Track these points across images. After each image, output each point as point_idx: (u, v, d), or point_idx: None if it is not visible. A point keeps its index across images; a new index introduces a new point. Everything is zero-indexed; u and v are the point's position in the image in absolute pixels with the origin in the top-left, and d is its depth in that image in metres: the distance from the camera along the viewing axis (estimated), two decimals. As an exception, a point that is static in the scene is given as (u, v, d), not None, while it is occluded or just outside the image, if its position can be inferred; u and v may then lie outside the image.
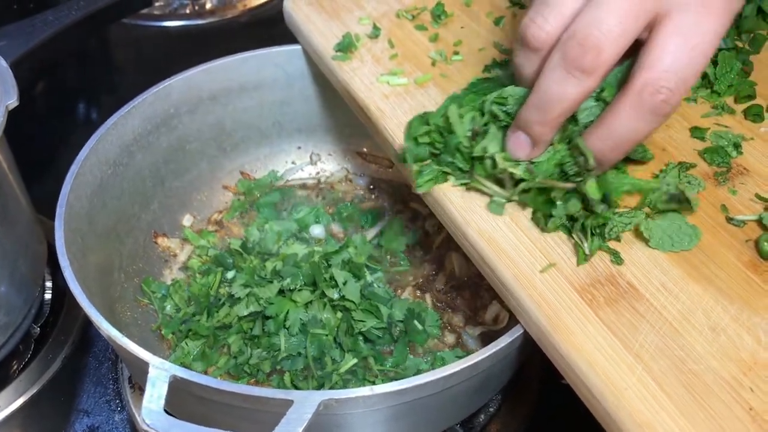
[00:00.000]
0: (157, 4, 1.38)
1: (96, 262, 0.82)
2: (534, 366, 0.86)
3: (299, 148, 1.08)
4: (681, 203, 0.64)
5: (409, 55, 0.87)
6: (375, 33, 0.89)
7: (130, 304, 0.88)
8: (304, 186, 1.07)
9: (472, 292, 0.90)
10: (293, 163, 1.09)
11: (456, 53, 0.86)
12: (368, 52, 0.87)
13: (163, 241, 0.96)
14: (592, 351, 0.57)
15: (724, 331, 0.57)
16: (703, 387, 0.54)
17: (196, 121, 0.97)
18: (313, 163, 1.09)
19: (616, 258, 0.63)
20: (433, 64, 0.85)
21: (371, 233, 0.98)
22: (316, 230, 0.98)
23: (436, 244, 0.96)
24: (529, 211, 0.67)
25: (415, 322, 0.86)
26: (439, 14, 0.91)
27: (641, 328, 0.58)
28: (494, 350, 0.63)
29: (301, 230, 0.97)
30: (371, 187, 1.06)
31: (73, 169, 0.80)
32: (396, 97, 0.81)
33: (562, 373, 0.59)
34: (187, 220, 1.00)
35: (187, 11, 1.37)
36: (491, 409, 0.85)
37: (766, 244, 0.62)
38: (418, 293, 0.92)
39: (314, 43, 0.90)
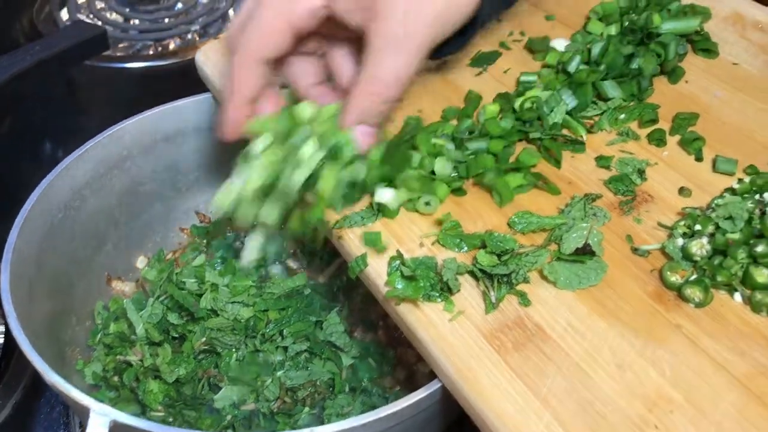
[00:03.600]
0: (120, 45, 1.39)
1: (45, 307, 0.81)
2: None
3: None
4: (586, 254, 0.64)
5: (320, 103, 0.87)
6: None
7: (82, 347, 0.88)
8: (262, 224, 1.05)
9: None
10: None
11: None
12: (279, 102, 0.87)
13: (117, 284, 0.96)
14: (500, 400, 0.57)
15: (630, 368, 0.58)
16: (609, 428, 0.54)
17: (150, 163, 0.97)
18: None
19: (524, 300, 0.63)
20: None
21: (327, 272, 0.97)
22: (275, 269, 0.98)
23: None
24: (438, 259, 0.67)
25: (369, 360, 0.85)
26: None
27: (548, 372, 0.58)
28: (433, 389, 0.63)
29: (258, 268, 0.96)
30: None
31: (21, 215, 0.79)
32: (307, 147, 0.81)
33: (476, 424, 0.59)
34: (141, 262, 1.00)
35: (150, 52, 1.38)
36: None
37: (668, 273, 0.63)
38: (371, 329, 0.91)
39: (226, 97, 0.89)
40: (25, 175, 1.14)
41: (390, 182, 0.71)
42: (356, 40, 0.72)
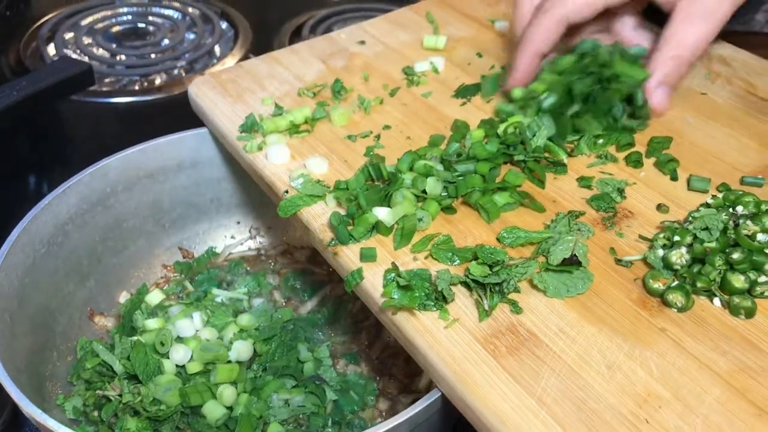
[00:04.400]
0: (106, 80, 1.41)
1: (27, 341, 0.81)
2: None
3: (238, 222, 1.09)
4: (573, 264, 0.68)
5: (315, 133, 0.90)
6: (277, 112, 0.92)
7: (63, 383, 0.87)
8: (244, 259, 1.06)
9: (407, 360, 0.90)
10: (232, 237, 1.09)
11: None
12: (272, 131, 0.90)
13: (99, 320, 0.95)
14: (497, 400, 0.59)
15: (619, 368, 0.60)
16: (603, 424, 0.56)
17: (134, 199, 0.98)
18: (252, 237, 1.10)
19: (515, 308, 0.66)
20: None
21: (310, 304, 0.98)
22: (257, 301, 0.98)
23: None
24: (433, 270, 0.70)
25: (352, 393, 0.86)
26: (338, 90, 0.95)
27: (542, 373, 0.60)
28: (410, 415, 0.64)
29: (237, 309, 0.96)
30: (312, 258, 1.06)
31: (4, 249, 0.80)
32: (300, 171, 0.84)
33: (473, 425, 0.61)
34: (123, 297, 0.99)
35: (136, 87, 1.40)
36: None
37: (651, 281, 0.66)
38: (353, 361, 0.92)
39: (219, 126, 0.92)
40: (9, 209, 1.13)
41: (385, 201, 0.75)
42: (637, 13, 0.92)
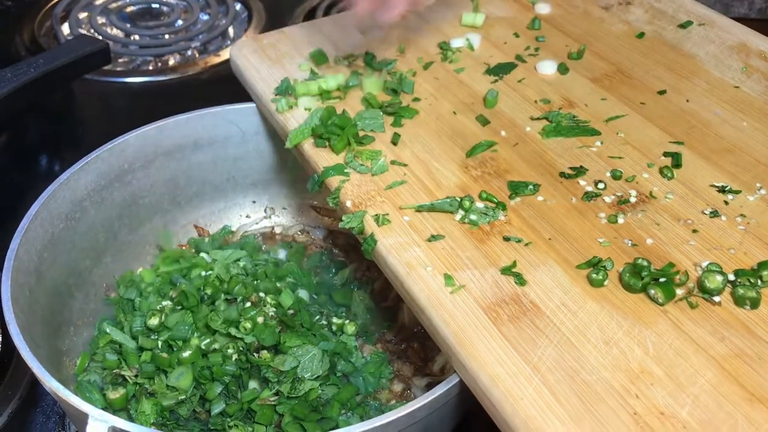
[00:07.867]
0: (120, 60, 1.43)
1: (44, 316, 0.82)
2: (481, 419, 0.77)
3: (254, 202, 1.10)
4: None
5: (346, 100, 0.92)
6: (312, 78, 0.94)
7: (78, 359, 0.87)
8: (261, 236, 1.07)
9: (421, 344, 0.90)
10: (248, 216, 1.10)
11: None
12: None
13: (115, 296, 0.96)
14: (493, 364, 0.61)
15: (616, 345, 0.62)
16: (593, 395, 0.58)
17: (151, 176, 0.99)
18: (267, 216, 1.10)
19: (520, 280, 0.67)
20: (366, 105, 0.91)
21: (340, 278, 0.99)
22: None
23: (391, 295, 0.95)
24: (443, 241, 0.72)
25: (368, 375, 0.86)
26: (369, 62, 0.97)
27: (540, 343, 0.62)
28: (430, 399, 0.65)
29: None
30: (328, 238, 1.07)
31: (23, 224, 0.81)
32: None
33: (469, 387, 0.63)
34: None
35: (150, 68, 1.42)
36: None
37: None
38: (370, 342, 0.92)
39: (256, 88, 0.95)
40: (20, 187, 1.14)
41: None
42: None
